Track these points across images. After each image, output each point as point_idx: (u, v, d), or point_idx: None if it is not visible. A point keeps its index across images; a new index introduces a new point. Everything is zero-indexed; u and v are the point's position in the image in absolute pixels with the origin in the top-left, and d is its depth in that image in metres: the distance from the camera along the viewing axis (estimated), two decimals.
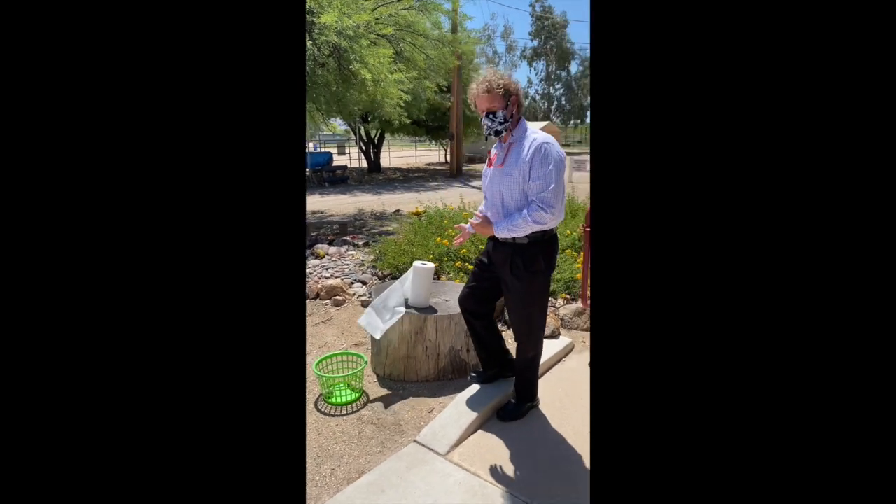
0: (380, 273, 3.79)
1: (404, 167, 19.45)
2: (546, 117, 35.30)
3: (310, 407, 2.21)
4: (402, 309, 2.32)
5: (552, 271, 1.94)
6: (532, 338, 1.99)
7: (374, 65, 5.48)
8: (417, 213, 4.71)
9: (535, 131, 1.83)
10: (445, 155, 21.82)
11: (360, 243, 4.87)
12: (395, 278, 3.69)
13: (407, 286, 2.40)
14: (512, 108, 1.81)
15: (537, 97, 37.66)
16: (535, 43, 35.50)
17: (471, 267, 3.37)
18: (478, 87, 1.80)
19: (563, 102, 37.01)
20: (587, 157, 15.65)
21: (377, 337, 2.30)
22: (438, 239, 3.64)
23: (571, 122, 37.51)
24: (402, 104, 6.80)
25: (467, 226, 2.02)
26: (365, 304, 3.40)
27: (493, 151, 1.94)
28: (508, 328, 2.89)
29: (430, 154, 25.55)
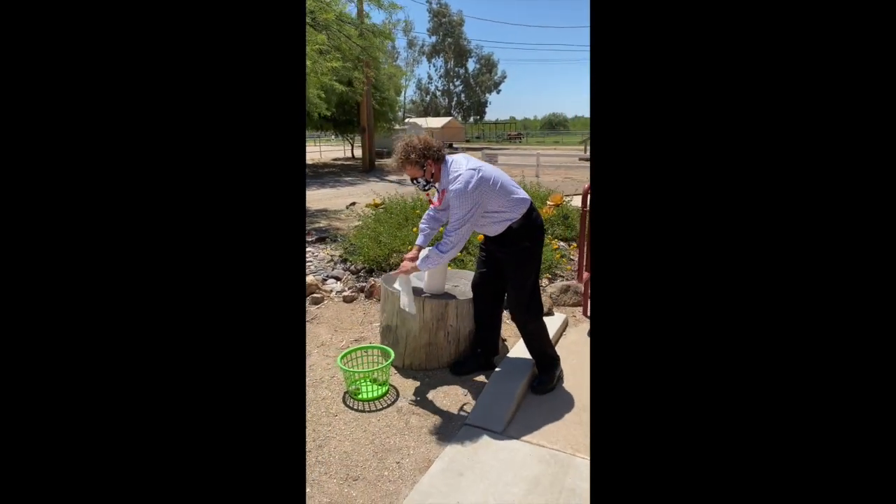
0: (353, 268, 3.64)
1: (311, 163, 18.59)
2: (447, 113, 36.04)
3: (341, 406, 2.09)
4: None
5: (538, 246, 2.14)
6: (527, 309, 2.13)
7: (311, 52, 5.20)
8: (375, 205, 4.60)
9: (455, 171, 1.99)
10: (352, 150, 21.26)
11: (313, 239, 4.62)
12: (370, 272, 3.59)
13: (423, 276, 2.37)
14: (430, 170, 2.03)
15: (438, 93, 38.31)
16: (434, 39, 36.06)
17: (458, 255, 3.40)
18: (395, 161, 2.05)
19: (463, 99, 38.13)
20: (493, 152, 16.36)
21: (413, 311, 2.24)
22: (415, 230, 3.61)
23: (471, 118, 38.81)
24: (322, 96, 6.55)
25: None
26: (347, 300, 3.26)
27: (430, 193, 2.22)
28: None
29: (334, 149, 24.70)
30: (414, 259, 2.18)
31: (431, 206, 2.27)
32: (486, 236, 2.19)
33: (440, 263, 2.09)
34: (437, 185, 2.11)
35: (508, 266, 2.12)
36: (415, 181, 2.07)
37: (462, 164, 2.01)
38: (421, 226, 2.31)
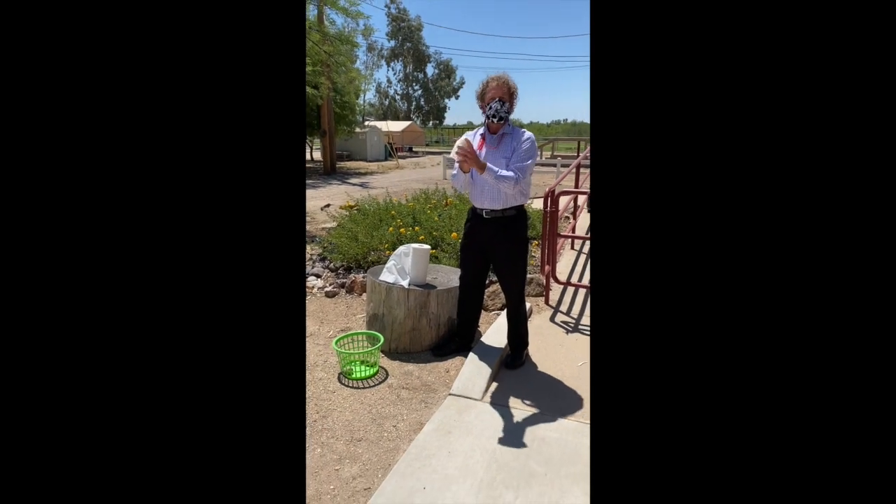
0: (332, 265, 3.86)
1: None
2: (407, 117, 36.27)
3: (337, 385, 2.34)
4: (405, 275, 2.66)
5: (527, 237, 2.45)
6: (522, 294, 2.47)
7: None
8: (349, 207, 4.81)
9: (520, 128, 2.32)
10: (311, 153, 21.08)
11: None
12: (349, 269, 3.82)
13: (407, 265, 2.66)
14: (511, 106, 2.28)
15: (397, 97, 38.47)
16: (393, 44, 36.23)
17: (433, 251, 3.70)
18: (499, 78, 2.23)
19: (422, 104, 38.50)
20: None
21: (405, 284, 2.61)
22: (391, 229, 3.87)
23: (430, 122, 39.26)
24: None
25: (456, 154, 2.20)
26: (329, 295, 3.48)
27: (476, 140, 2.33)
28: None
29: None
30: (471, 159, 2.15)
31: (481, 149, 2.27)
32: (486, 228, 2.32)
33: (506, 183, 2.17)
34: (502, 122, 2.23)
35: (508, 256, 2.33)
36: (501, 101, 2.19)
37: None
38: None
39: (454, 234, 3.75)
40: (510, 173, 2.19)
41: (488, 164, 2.18)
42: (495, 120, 2.23)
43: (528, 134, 2.27)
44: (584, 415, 2.08)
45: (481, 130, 2.35)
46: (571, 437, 1.92)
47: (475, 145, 2.31)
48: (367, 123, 22.10)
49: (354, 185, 12.26)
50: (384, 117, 34.08)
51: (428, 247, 2.69)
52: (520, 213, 2.33)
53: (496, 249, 2.36)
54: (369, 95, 36.18)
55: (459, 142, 2.18)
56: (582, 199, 5.20)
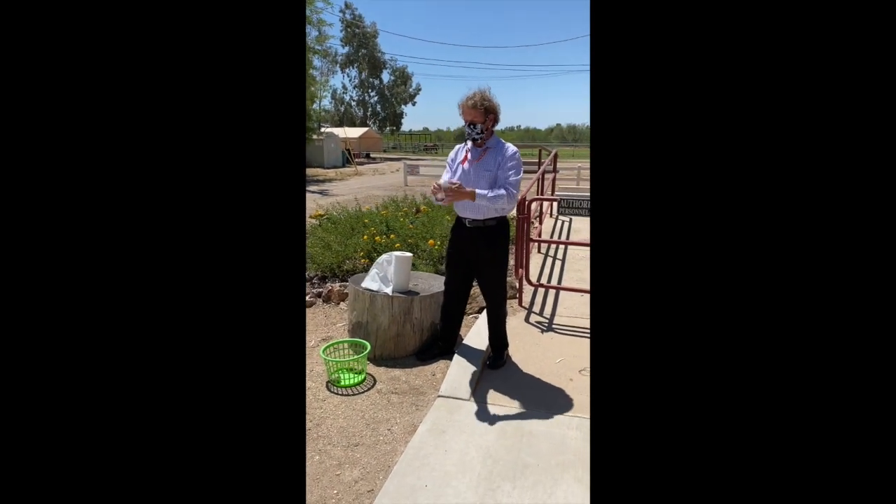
0: (308, 274, 3.84)
1: None
2: (363, 123, 36.04)
3: (326, 393, 2.36)
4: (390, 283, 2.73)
5: (508, 244, 2.58)
6: (503, 298, 2.59)
7: None
8: (318, 216, 4.79)
9: (505, 142, 2.43)
10: None
11: None
12: (323, 278, 3.82)
13: (390, 273, 2.72)
14: (488, 124, 2.38)
15: (353, 103, 38.14)
16: (347, 50, 35.97)
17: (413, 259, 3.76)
18: (467, 100, 2.32)
19: (379, 110, 38.40)
20: (413, 162, 16.85)
21: (388, 291, 2.67)
22: (366, 237, 3.90)
23: (387, 128, 39.19)
24: None
25: (441, 192, 2.31)
26: (307, 305, 3.47)
27: (461, 153, 2.45)
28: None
29: None
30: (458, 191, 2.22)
31: (464, 163, 2.39)
32: (469, 235, 2.42)
33: (500, 203, 2.27)
34: (479, 141, 2.31)
35: (489, 262, 2.44)
36: (472, 126, 2.29)
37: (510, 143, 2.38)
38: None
39: (430, 241, 3.84)
40: (501, 191, 2.28)
41: (477, 191, 2.27)
42: (472, 142, 2.37)
43: (512, 149, 2.37)
44: (566, 408, 2.22)
45: (467, 145, 2.44)
46: (557, 429, 2.05)
47: (460, 160, 2.42)
48: (323, 130, 21.78)
49: (314, 192, 12.07)
50: (340, 123, 33.70)
51: (410, 255, 2.77)
52: (500, 222, 2.44)
53: (478, 256, 2.47)
54: (325, 102, 35.77)
55: (443, 182, 2.27)
56: (546, 206, 5.43)
